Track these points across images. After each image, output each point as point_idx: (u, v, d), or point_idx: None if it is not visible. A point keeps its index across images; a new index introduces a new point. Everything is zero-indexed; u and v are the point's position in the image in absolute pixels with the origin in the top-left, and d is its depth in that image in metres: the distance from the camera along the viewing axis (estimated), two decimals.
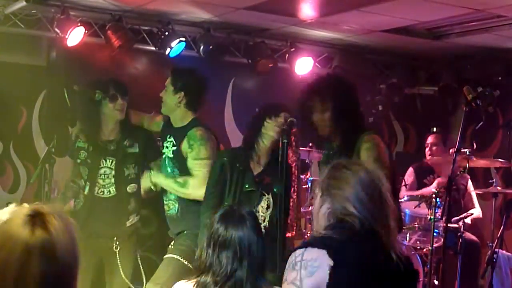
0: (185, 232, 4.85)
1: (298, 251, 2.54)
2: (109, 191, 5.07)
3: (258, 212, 4.48)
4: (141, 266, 5.09)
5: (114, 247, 5.03)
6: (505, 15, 5.80)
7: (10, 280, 1.72)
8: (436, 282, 5.99)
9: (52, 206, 1.87)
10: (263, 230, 3.89)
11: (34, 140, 6.60)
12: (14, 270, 1.73)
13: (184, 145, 4.84)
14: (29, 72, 6.52)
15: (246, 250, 3.10)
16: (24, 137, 6.61)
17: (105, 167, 5.06)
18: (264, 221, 4.43)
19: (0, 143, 6.55)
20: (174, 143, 4.93)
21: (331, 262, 2.45)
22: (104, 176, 5.06)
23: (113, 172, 5.04)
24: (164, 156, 5.01)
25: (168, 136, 5.00)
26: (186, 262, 4.66)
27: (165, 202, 5.01)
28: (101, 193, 5.06)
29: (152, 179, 4.93)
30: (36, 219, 1.79)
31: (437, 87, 7.73)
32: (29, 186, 6.42)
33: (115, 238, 5.02)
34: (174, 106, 4.93)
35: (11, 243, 1.75)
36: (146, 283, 4.87)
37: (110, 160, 5.07)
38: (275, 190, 4.46)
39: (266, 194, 4.49)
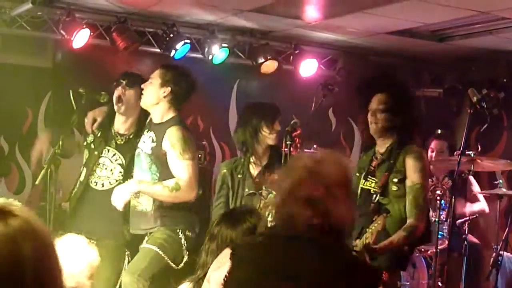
0: (161, 228, 4.74)
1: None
2: (103, 184, 5.03)
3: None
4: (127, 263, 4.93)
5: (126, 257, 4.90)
6: (509, 17, 5.80)
7: None
8: (440, 284, 5.98)
9: (22, 207, 1.86)
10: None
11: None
12: None
13: (165, 143, 4.68)
14: (35, 73, 6.55)
15: (225, 247, 3.12)
16: (30, 138, 6.61)
17: (105, 157, 5.04)
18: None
19: (6, 144, 6.58)
20: (154, 139, 4.79)
21: (229, 263, 2.49)
22: (103, 167, 5.05)
23: (112, 166, 5.02)
24: (138, 150, 4.88)
25: (146, 131, 4.87)
26: (163, 255, 4.62)
27: (136, 200, 4.81)
28: (95, 184, 5.02)
29: (136, 187, 4.65)
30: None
31: (441, 89, 7.74)
32: (35, 187, 6.43)
33: (126, 252, 4.90)
34: (157, 100, 4.80)
35: None
36: None
37: (113, 153, 5.05)
38: None
39: (272, 192, 4.48)
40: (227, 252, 2.56)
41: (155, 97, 4.81)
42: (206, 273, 3.08)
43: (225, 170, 4.86)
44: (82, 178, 5.01)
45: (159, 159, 4.73)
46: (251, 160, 4.80)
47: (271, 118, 4.76)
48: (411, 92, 4.50)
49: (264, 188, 4.67)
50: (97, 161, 4.99)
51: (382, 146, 4.38)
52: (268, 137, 4.71)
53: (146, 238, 4.78)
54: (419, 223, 4.17)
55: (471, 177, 6.82)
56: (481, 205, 6.71)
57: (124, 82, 4.95)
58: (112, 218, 4.92)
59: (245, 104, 5.39)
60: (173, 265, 4.65)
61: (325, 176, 2.44)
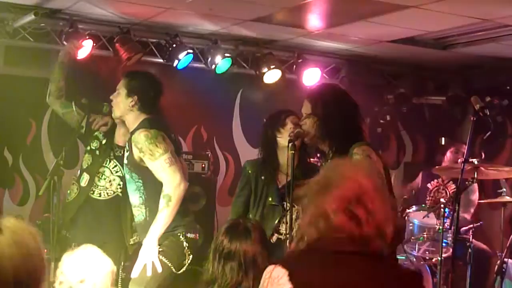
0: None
1: (269, 267, 2.49)
2: (100, 194, 5.02)
3: (283, 223, 4.48)
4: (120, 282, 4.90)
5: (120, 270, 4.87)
6: (511, 25, 5.80)
7: None
8: None
9: (15, 221, 1.91)
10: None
11: (43, 153, 6.63)
12: None
13: (134, 150, 4.61)
14: (38, 85, 6.53)
15: (250, 262, 3.10)
16: (33, 149, 6.64)
17: (106, 167, 5.04)
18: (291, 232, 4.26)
19: (10, 156, 6.58)
20: (127, 148, 4.74)
21: (290, 285, 2.40)
22: (102, 176, 5.03)
23: (112, 177, 5.02)
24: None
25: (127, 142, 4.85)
26: (167, 261, 4.60)
27: (133, 212, 4.78)
28: (91, 192, 5.02)
29: (153, 240, 4.49)
30: None
31: (445, 97, 7.73)
32: (38, 198, 6.44)
33: (122, 262, 4.88)
34: (127, 110, 4.75)
35: None
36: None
37: (114, 164, 5.05)
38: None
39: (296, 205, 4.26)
40: (277, 272, 2.47)
41: (123, 107, 4.76)
42: None
43: (250, 171, 4.80)
44: (84, 183, 5.00)
45: (135, 166, 4.66)
46: (279, 167, 4.73)
47: (280, 120, 4.73)
48: (337, 95, 4.20)
49: (287, 200, 4.59)
50: (99, 169, 4.99)
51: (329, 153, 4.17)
52: (283, 139, 4.64)
53: None
54: None
55: (475, 185, 6.82)
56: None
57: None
58: (111, 229, 4.96)
59: None
60: (175, 271, 4.61)
61: (360, 184, 2.41)
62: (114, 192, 5.02)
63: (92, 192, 5.01)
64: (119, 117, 4.84)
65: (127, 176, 4.77)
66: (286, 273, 2.38)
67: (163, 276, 4.60)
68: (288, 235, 4.32)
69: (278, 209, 4.56)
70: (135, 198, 4.75)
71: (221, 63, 6.72)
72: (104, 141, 5.04)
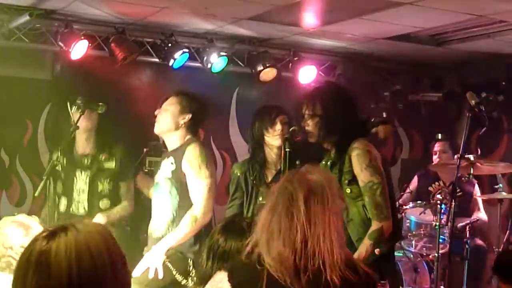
0: None
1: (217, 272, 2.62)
2: (84, 207, 5.05)
3: None
4: None
5: None
6: (506, 21, 5.81)
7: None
8: None
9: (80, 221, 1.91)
10: None
11: (40, 154, 6.63)
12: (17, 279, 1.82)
13: (184, 163, 4.65)
14: (34, 86, 6.56)
15: None
16: (30, 150, 6.64)
17: (80, 181, 5.05)
18: None
19: (7, 157, 6.59)
20: (173, 162, 4.74)
21: (229, 286, 2.46)
22: (80, 192, 5.04)
23: (87, 187, 5.04)
24: (156, 180, 4.85)
25: (165, 158, 4.86)
26: (172, 269, 4.60)
27: (153, 225, 4.81)
28: (76, 210, 5.04)
29: (163, 247, 4.55)
30: (52, 233, 1.85)
31: (441, 93, 7.73)
32: (35, 199, 6.42)
33: None
34: (175, 127, 4.78)
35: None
36: None
37: (86, 175, 5.05)
38: None
39: None
40: (220, 275, 2.55)
41: (173, 123, 4.77)
42: None
43: (238, 173, 4.83)
44: (62, 208, 5.03)
45: (179, 182, 4.69)
46: (266, 164, 4.76)
47: (270, 120, 4.74)
48: (336, 91, 4.28)
49: None
50: (73, 188, 5.03)
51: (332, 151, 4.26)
52: (273, 140, 4.67)
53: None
54: (383, 223, 3.92)
55: (476, 187, 6.83)
56: (482, 216, 6.74)
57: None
58: None
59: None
60: (181, 279, 4.62)
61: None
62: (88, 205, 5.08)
63: (76, 210, 5.08)
64: (164, 132, 4.84)
65: (165, 190, 4.74)
66: (225, 274, 2.47)
67: (165, 282, 4.61)
68: None
69: None
70: (166, 213, 4.74)
71: (217, 61, 6.72)
72: (64, 160, 5.06)
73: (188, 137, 4.78)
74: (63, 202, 5.01)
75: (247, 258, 2.53)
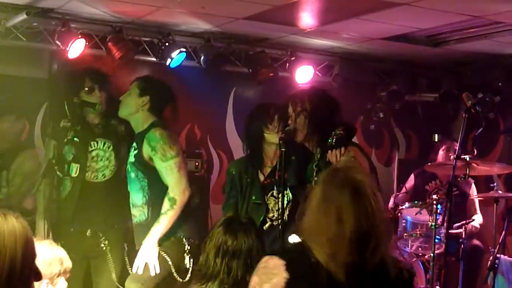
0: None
1: (265, 258, 2.62)
2: (104, 174, 5.03)
3: (274, 210, 4.52)
4: (128, 264, 4.86)
5: (102, 245, 4.92)
6: (503, 22, 5.82)
7: None
8: None
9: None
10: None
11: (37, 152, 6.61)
12: None
13: (146, 148, 4.71)
14: (31, 84, 6.54)
15: (255, 258, 3.14)
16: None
17: (97, 149, 5.04)
18: (283, 216, 4.36)
19: None
20: (136, 146, 4.83)
21: (286, 275, 2.49)
22: (98, 158, 5.04)
23: (107, 154, 5.03)
24: (127, 166, 4.91)
25: (133, 144, 4.91)
26: (167, 258, 4.62)
27: (132, 212, 4.85)
28: (94, 177, 5.02)
29: (153, 240, 4.58)
30: None
31: (437, 93, 7.75)
32: (32, 196, 6.41)
33: (102, 237, 4.90)
34: (136, 109, 4.87)
35: None
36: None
37: (102, 142, 5.06)
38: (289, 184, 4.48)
39: (283, 189, 4.39)
40: (273, 262, 2.56)
41: (134, 106, 4.88)
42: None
43: (234, 172, 4.85)
44: (74, 173, 4.96)
45: (143, 165, 4.75)
46: (261, 161, 4.77)
47: (269, 116, 4.75)
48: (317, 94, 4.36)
49: (275, 189, 4.64)
50: (87, 154, 4.99)
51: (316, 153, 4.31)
52: (273, 137, 4.69)
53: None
54: None
55: (473, 187, 6.84)
56: (477, 218, 6.76)
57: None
58: (116, 208, 4.97)
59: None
60: (177, 276, 4.64)
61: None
62: (111, 171, 5.04)
63: (95, 177, 5.01)
64: (127, 115, 4.93)
65: (132, 175, 4.82)
66: (282, 262, 2.48)
67: (162, 276, 4.63)
68: (279, 221, 4.40)
69: (262, 207, 4.62)
70: (138, 197, 4.80)
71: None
72: (78, 127, 5.03)
73: (150, 121, 4.85)
74: (75, 167, 4.97)
75: (301, 253, 2.57)
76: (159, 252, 4.59)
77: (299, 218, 2.75)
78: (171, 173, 4.64)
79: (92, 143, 5.04)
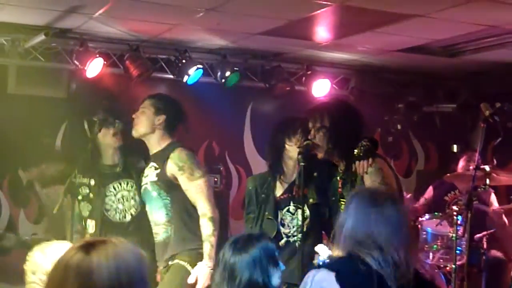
0: (185, 251, 4.75)
1: (311, 272, 2.64)
2: (131, 213, 5.08)
3: (290, 226, 4.52)
4: None
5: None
6: None
7: None
8: None
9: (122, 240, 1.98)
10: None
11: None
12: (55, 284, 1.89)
13: (171, 167, 4.76)
14: (51, 104, 6.60)
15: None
16: (47, 168, 6.67)
17: (122, 190, 5.08)
18: (303, 232, 4.36)
19: (24, 175, 6.63)
20: (156, 166, 4.86)
21: (337, 286, 2.51)
22: (123, 200, 5.08)
23: (131, 194, 5.07)
24: (144, 186, 4.93)
25: (148, 165, 4.95)
26: (191, 269, 4.63)
27: (154, 231, 4.88)
28: (123, 218, 5.07)
29: (208, 263, 4.58)
30: (89, 245, 1.92)
31: (455, 104, 7.73)
32: (54, 216, 6.46)
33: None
34: (152, 129, 4.89)
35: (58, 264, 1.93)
36: None
37: (126, 182, 5.09)
38: (310, 200, 4.46)
39: (300, 206, 4.40)
40: (321, 276, 2.62)
41: (149, 125, 4.92)
42: None
43: (250, 187, 4.86)
44: (91, 230, 5.03)
45: (166, 184, 4.80)
46: (278, 177, 4.76)
47: (292, 130, 4.73)
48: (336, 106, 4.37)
49: (291, 204, 4.63)
50: (104, 203, 5.04)
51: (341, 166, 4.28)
52: (293, 151, 4.67)
53: (173, 260, 4.79)
54: None
55: (493, 196, 6.79)
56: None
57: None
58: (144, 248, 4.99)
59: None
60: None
61: None
62: (136, 210, 5.09)
63: (123, 217, 5.08)
64: (142, 135, 4.94)
65: (153, 194, 4.85)
66: (332, 274, 2.53)
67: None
68: (296, 237, 4.39)
69: (273, 223, 4.61)
70: (160, 215, 4.85)
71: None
72: (92, 182, 5.08)
73: (168, 141, 4.90)
74: (91, 224, 5.02)
75: (350, 262, 2.66)
76: (183, 265, 4.64)
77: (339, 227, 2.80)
78: (201, 192, 4.71)
79: (115, 185, 5.10)
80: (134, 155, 5.15)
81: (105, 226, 5.01)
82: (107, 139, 5.09)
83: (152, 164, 4.91)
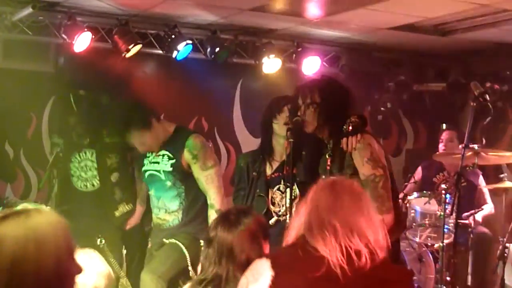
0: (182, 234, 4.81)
1: (256, 260, 2.72)
2: (93, 184, 5.09)
3: (280, 205, 4.51)
4: (125, 262, 4.99)
5: (98, 243, 4.91)
6: (511, 9, 5.78)
7: None
8: (448, 279, 5.97)
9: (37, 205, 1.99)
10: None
11: (44, 146, 6.63)
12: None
13: (186, 156, 4.80)
14: (38, 78, 6.55)
15: (227, 251, 3.10)
16: (34, 143, 6.64)
17: (85, 159, 5.08)
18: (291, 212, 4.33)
19: (11, 150, 6.59)
20: (170, 155, 4.87)
21: (272, 272, 2.52)
22: (86, 168, 5.07)
23: (95, 164, 5.08)
24: (150, 172, 4.94)
25: (156, 152, 4.94)
26: (186, 254, 4.66)
27: (159, 217, 4.93)
28: (84, 187, 5.07)
29: None
30: (3, 217, 1.91)
31: (445, 83, 7.71)
32: (40, 191, 6.44)
33: (99, 235, 4.93)
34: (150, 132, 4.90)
35: None
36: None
37: (90, 152, 5.09)
38: (299, 179, 4.44)
39: (289, 185, 4.30)
40: (260, 263, 2.61)
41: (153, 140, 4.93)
42: (207, 277, 3.07)
43: (242, 164, 4.84)
44: (56, 190, 5.14)
45: (181, 173, 4.84)
46: (269, 156, 4.75)
47: (278, 107, 4.70)
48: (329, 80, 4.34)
49: (281, 183, 4.62)
50: (69, 168, 5.11)
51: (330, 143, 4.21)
52: (281, 128, 4.64)
53: (169, 239, 4.84)
54: (384, 216, 3.76)
55: (481, 178, 6.81)
56: (488, 207, 6.72)
57: None
58: (105, 216, 5.01)
59: None
60: (192, 271, 4.65)
61: None
62: (97, 182, 5.14)
63: (84, 187, 5.15)
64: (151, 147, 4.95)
65: (168, 183, 4.86)
66: (267, 262, 2.54)
67: (178, 269, 4.66)
68: (286, 216, 4.38)
69: (263, 199, 4.60)
70: (174, 204, 4.90)
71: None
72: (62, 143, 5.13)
73: (172, 125, 4.94)
74: (56, 184, 5.07)
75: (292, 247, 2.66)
76: (180, 246, 4.70)
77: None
78: (211, 182, 4.77)
79: (80, 154, 5.18)
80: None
81: (67, 191, 5.10)
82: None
83: (164, 152, 4.89)
